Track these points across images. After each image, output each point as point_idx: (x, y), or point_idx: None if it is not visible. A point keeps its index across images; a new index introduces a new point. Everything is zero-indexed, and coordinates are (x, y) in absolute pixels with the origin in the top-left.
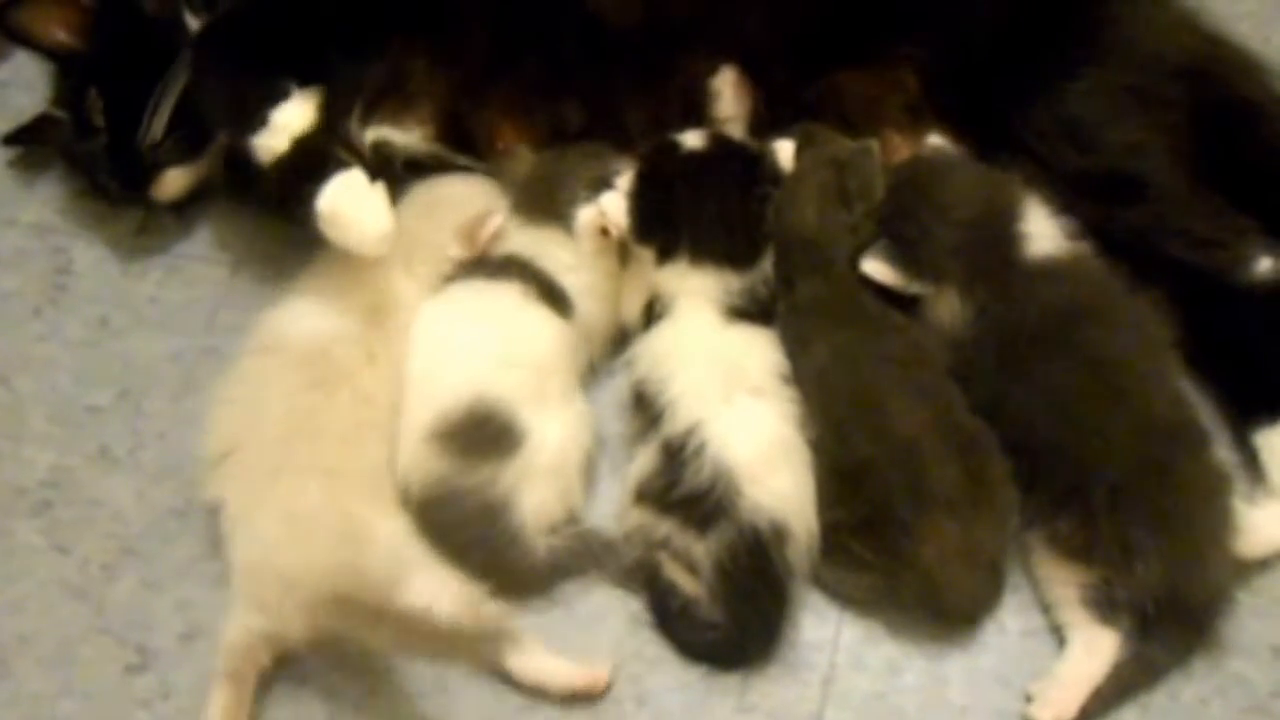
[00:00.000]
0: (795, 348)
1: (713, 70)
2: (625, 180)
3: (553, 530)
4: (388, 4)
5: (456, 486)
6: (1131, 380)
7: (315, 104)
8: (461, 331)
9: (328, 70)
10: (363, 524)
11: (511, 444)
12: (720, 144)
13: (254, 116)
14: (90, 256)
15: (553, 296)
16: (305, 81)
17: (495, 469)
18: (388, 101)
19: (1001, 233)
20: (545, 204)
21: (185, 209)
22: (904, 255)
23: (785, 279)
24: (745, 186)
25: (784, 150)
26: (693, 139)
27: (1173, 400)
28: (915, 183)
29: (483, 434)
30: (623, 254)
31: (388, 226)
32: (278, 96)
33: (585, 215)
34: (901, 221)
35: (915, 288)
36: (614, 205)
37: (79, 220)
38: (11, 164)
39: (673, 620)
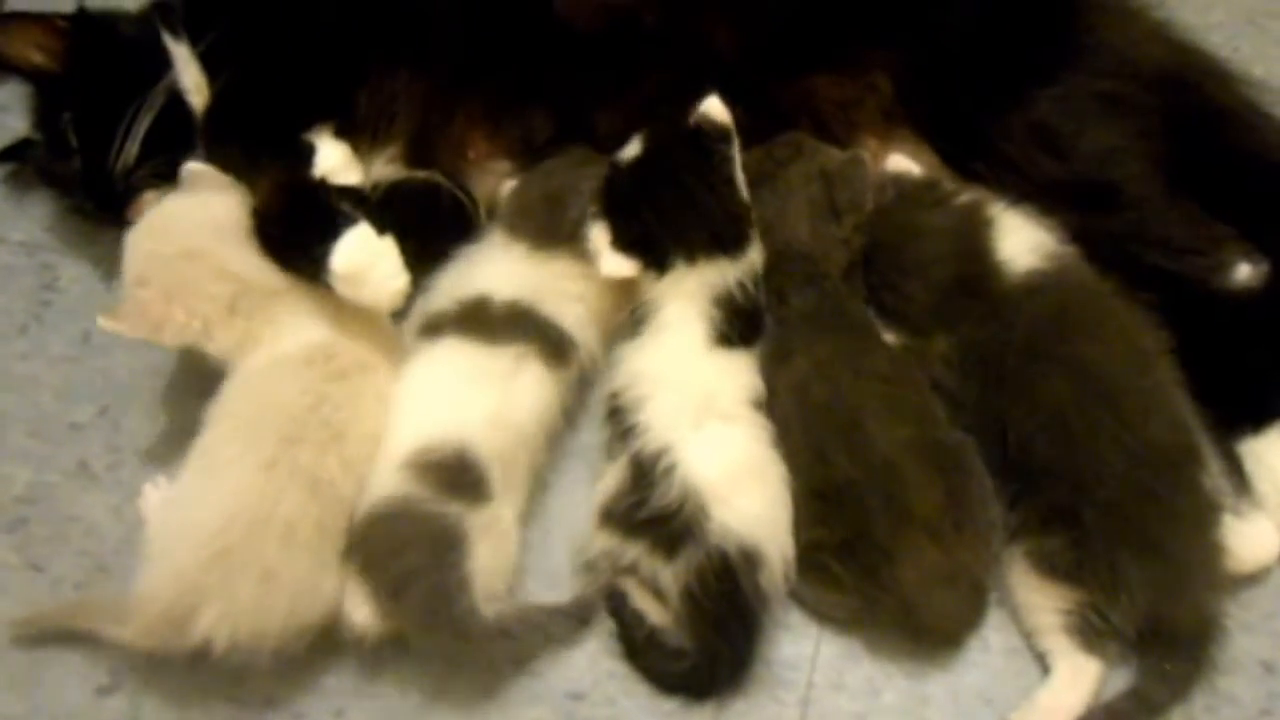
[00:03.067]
0: (776, 361)
1: (680, 78)
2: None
3: (495, 598)
4: (370, 29)
5: (419, 508)
6: (1126, 397)
7: (332, 138)
8: (453, 389)
9: (329, 110)
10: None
11: (479, 499)
12: (654, 139)
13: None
14: (76, 273)
15: (553, 350)
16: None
17: (461, 510)
18: (372, 128)
19: (980, 273)
20: (554, 227)
21: None
22: (885, 318)
23: (777, 291)
24: (696, 165)
25: (714, 107)
26: (628, 149)
27: (1170, 421)
28: (886, 245)
29: (459, 478)
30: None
31: (405, 281)
32: (307, 154)
33: (596, 230)
34: (879, 290)
35: (900, 340)
36: None
37: (66, 238)
38: (1, 183)
39: (640, 649)
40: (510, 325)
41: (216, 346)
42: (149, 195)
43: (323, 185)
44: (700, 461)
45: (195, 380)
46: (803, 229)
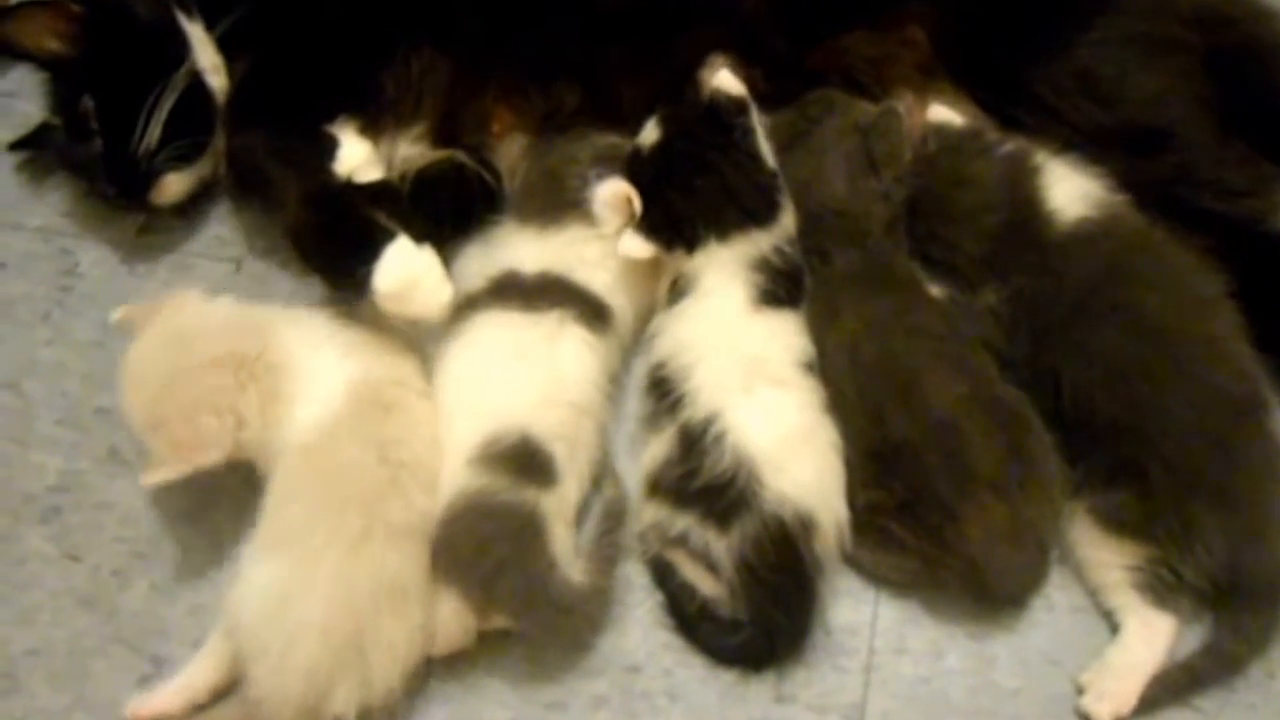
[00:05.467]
0: (824, 321)
1: (707, 47)
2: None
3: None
4: (394, 6)
5: (498, 499)
6: (1188, 346)
7: (358, 132)
8: (501, 368)
9: (354, 95)
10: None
11: (549, 480)
12: (671, 121)
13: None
14: (96, 258)
15: (592, 314)
16: (334, 118)
17: (537, 494)
18: (398, 110)
19: (1030, 221)
20: (556, 197)
21: (189, 207)
22: (932, 272)
23: (819, 251)
24: (717, 142)
25: (726, 80)
26: (647, 134)
27: (1236, 369)
28: (931, 196)
29: (527, 461)
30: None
31: (450, 293)
32: (330, 148)
33: (601, 192)
34: (925, 243)
35: (947, 295)
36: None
37: (85, 222)
38: (18, 169)
39: (693, 622)
40: (544, 293)
41: (253, 430)
42: (170, 178)
43: (353, 192)
44: (751, 428)
45: None
46: (841, 186)
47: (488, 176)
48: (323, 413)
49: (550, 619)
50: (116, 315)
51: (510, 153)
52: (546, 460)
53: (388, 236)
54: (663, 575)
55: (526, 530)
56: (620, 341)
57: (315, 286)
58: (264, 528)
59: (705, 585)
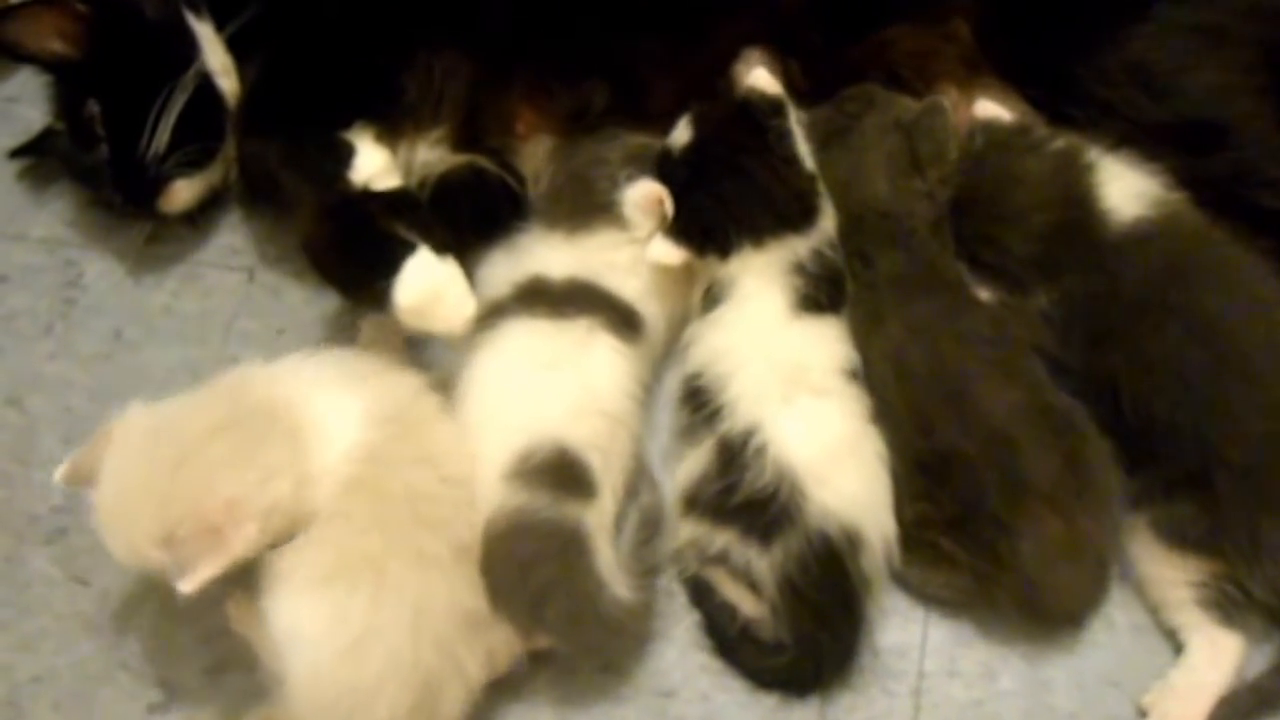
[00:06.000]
0: (867, 328)
1: (742, 40)
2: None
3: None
4: (414, 5)
5: (540, 517)
6: (1254, 351)
7: (375, 138)
8: (530, 378)
9: (372, 99)
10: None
11: (589, 493)
12: (703, 121)
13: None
14: (101, 268)
15: (622, 321)
16: (350, 123)
17: (579, 508)
18: (417, 113)
19: (1083, 221)
20: (585, 200)
21: (198, 215)
22: (980, 275)
23: (861, 255)
24: (752, 143)
25: (762, 79)
26: (678, 134)
27: None
28: (979, 195)
29: (565, 475)
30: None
31: (473, 306)
32: (346, 156)
33: (632, 194)
34: (973, 244)
35: (997, 298)
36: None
37: (89, 232)
38: (20, 177)
39: (733, 644)
40: (572, 299)
41: (284, 486)
42: (179, 184)
43: (371, 201)
44: (793, 439)
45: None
46: (883, 186)
47: (511, 181)
48: (350, 444)
49: (600, 639)
50: (60, 474)
51: (535, 155)
52: (585, 472)
53: (407, 249)
54: (701, 595)
55: (571, 548)
56: (652, 350)
57: (330, 297)
58: (309, 565)
59: (746, 605)
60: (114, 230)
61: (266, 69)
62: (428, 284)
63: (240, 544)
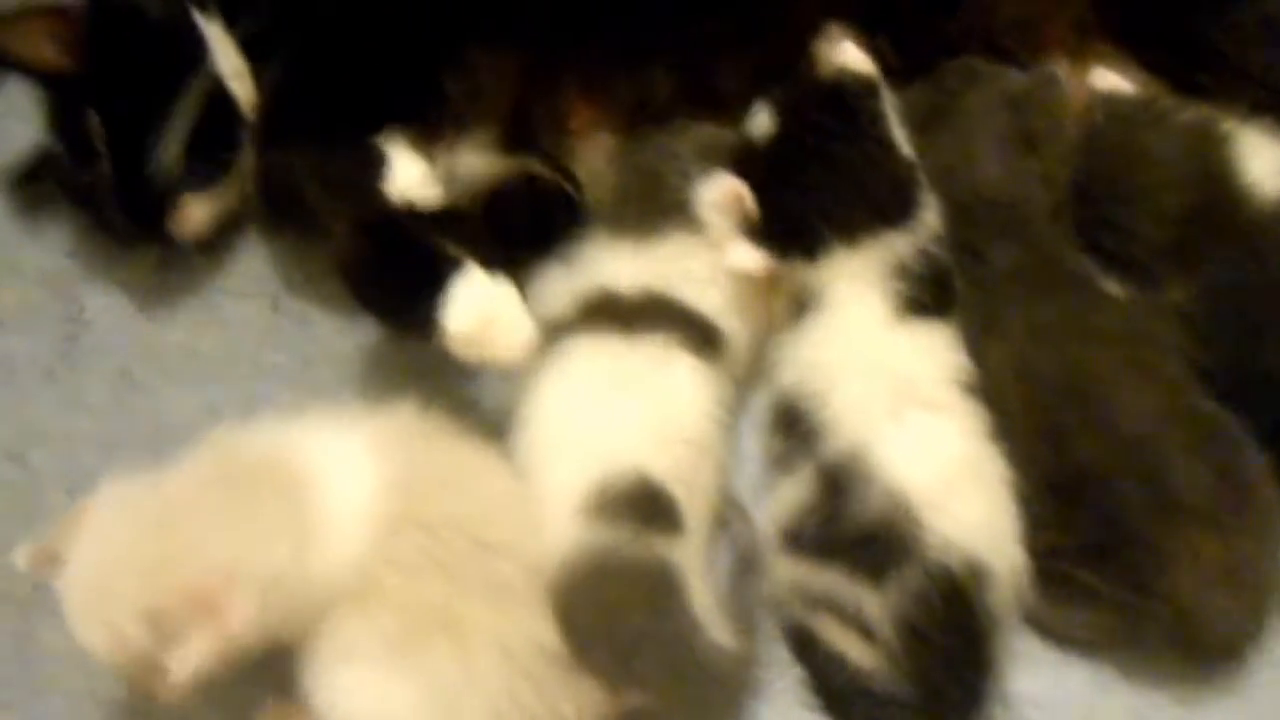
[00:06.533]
0: (983, 331)
1: (822, 13)
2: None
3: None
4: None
5: (625, 555)
6: None
7: (411, 145)
8: (602, 401)
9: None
10: None
11: (676, 526)
12: (787, 106)
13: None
14: (105, 304)
15: (701, 337)
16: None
17: (666, 544)
18: (459, 114)
19: (1223, 199)
20: (654, 202)
21: (213, 238)
22: (1107, 267)
23: (971, 249)
24: (843, 130)
25: (853, 56)
26: (757, 123)
27: None
28: (1102, 176)
29: (649, 507)
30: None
31: (532, 330)
32: (379, 163)
33: (707, 192)
34: (1097, 232)
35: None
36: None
37: (89, 264)
38: (9, 208)
39: (843, 700)
40: (645, 314)
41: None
42: (192, 203)
43: (412, 217)
44: (905, 461)
45: (261, 411)
46: (993, 170)
47: (567, 186)
48: (369, 489)
49: (698, 692)
50: (22, 558)
51: (592, 155)
52: (670, 504)
53: (455, 267)
54: (804, 645)
55: (661, 588)
56: (734, 369)
57: (366, 326)
58: (368, 634)
59: (857, 654)
60: (118, 260)
61: (287, 70)
62: (481, 306)
63: (238, 620)
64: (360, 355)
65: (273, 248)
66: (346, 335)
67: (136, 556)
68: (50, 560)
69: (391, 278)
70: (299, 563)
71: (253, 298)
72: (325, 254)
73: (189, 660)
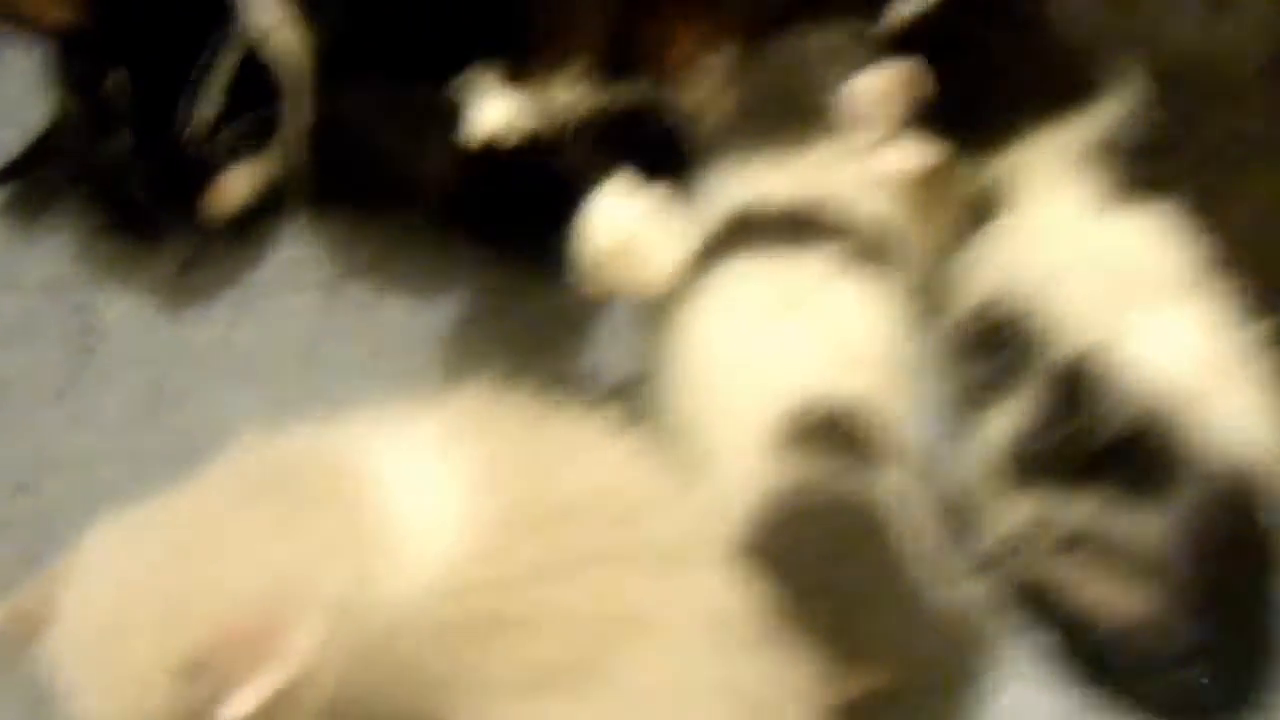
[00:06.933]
0: (1208, 207)
1: None
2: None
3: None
4: None
5: (836, 490)
6: None
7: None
8: (771, 325)
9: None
10: None
11: (882, 455)
12: None
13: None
14: (123, 309)
15: (866, 250)
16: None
17: (876, 474)
18: (549, 45)
19: None
20: (796, 107)
21: (248, 223)
22: None
23: (1183, 118)
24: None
25: None
26: (906, 5)
27: None
28: None
29: (850, 434)
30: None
31: (681, 251)
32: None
33: (859, 85)
34: None
35: None
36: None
37: (102, 267)
38: (4, 212)
39: (1103, 665)
40: (800, 228)
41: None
42: (231, 174)
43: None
44: (1155, 355)
45: (322, 409)
46: (1188, 26)
47: (675, 118)
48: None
49: (937, 661)
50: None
51: (699, 82)
52: (869, 433)
53: (588, 180)
54: (1046, 602)
55: (880, 529)
56: (905, 287)
57: (440, 308)
58: (514, 669)
59: (1121, 604)
60: (134, 260)
61: (348, 7)
62: (621, 224)
63: (300, 652)
64: (435, 341)
65: (322, 228)
66: (419, 318)
67: (159, 594)
68: (28, 623)
69: (509, 199)
70: (368, 582)
71: (301, 289)
72: (402, 209)
73: (249, 698)
